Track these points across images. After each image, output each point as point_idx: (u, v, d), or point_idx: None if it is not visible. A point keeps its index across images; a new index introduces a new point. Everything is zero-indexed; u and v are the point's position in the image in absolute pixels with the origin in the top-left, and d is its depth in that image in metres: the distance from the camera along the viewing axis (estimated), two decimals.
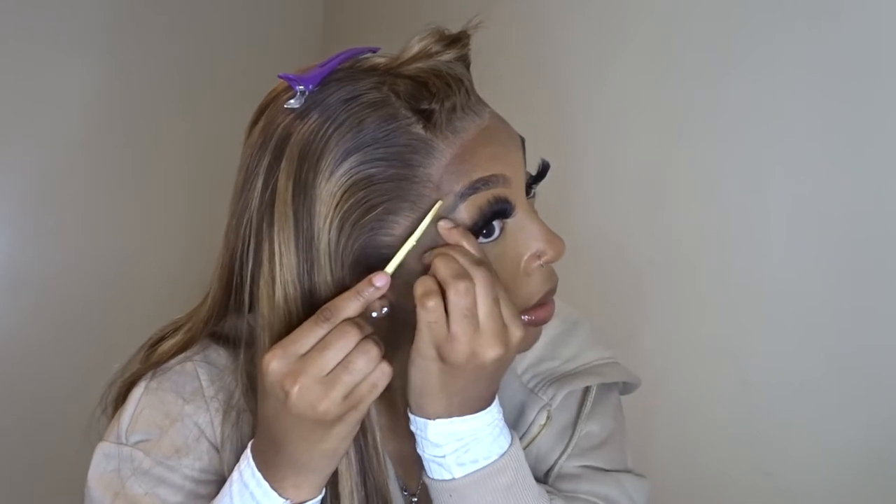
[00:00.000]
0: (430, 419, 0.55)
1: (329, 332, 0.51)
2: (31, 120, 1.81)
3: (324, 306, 0.52)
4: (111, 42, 1.89)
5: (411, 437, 0.58)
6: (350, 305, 0.51)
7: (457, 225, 0.54)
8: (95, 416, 0.65)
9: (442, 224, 0.54)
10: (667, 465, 1.23)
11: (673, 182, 1.26)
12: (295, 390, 0.50)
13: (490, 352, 0.52)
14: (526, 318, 0.58)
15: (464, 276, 0.51)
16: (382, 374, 0.51)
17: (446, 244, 0.54)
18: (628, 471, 0.70)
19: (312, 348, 0.50)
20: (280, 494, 0.54)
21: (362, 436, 0.58)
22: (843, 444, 1.04)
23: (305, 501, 0.55)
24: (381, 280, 0.52)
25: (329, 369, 0.50)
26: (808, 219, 1.07)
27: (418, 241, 0.53)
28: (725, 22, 1.17)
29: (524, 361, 0.70)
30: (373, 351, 0.51)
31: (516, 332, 0.53)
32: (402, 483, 0.67)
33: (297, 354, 0.50)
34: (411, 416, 0.56)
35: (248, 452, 0.56)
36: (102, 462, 0.61)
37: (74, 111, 1.87)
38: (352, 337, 0.50)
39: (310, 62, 0.57)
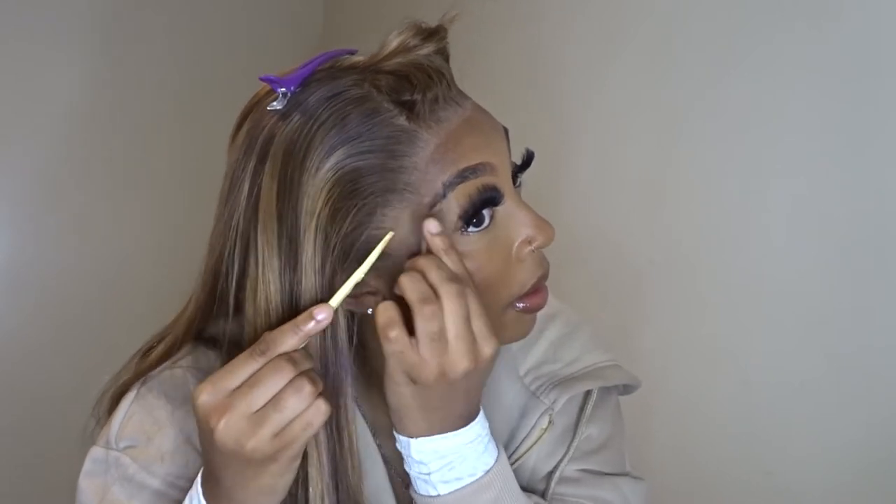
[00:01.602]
0: (412, 437, 0.55)
1: (262, 368, 0.49)
2: (30, 120, 1.81)
3: (261, 338, 0.50)
4: (111, 42, 1.89)
5: None
6: (287, 340, 0.49)
7: (442, 231, 0.53)
8: (89, 427, 0.64)
9: (431, 228, 0.52)
10: (666, 465, 1.23)
11: (673, 182, 1.25)
12: (220, 426, 0.48)
13: (459, 366, 0.51)
14: (521, 305, 0.58)
15: (429, 299, 0.50)
16: (318, 412, 0.49)
17: (424, 254, 0.53)
18: (626, 474, 0.70)
19: (243, 383, 0.49)
20: None
21: (337, 438, 0.56)
22: (843, 443, 1.04)
23: None
24: (322, 313, 0.50)
25: (258, 406, 0.48)
26: (808, 219, 1.07)
27: (408, 238, 0.53)
28: (725, 22, 1.17)
29: (526, 363, 0.70)
30: (306, 388, 0.48)
31: (487, 348, 0.52)
32: (405, 481, 0.67)
33: (227, 389, 0.49)
34: (396, 435, 0.56)
35: (198, 480, 0.55)
36: (91, 467, 0.61)
37: (74, 111, 1.86)
38: (284, 374, 0.48)
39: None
